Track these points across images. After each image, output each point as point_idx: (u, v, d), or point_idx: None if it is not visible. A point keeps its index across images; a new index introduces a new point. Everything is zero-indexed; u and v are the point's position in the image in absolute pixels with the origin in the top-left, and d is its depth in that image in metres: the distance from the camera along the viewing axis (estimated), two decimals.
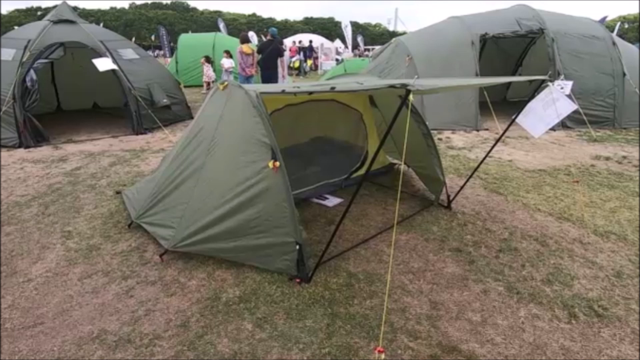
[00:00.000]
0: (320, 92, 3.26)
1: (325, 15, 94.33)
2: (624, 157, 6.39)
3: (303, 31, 48.06)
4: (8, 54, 7.06)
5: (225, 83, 3.40)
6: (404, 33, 15.07)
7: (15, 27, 11.40)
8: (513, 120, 3.74)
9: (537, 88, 3.62)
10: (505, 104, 10.54)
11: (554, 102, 3.44)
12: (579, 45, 8.52)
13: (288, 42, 24.60)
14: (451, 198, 4.41)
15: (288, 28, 59.99)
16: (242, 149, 3.07)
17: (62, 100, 9.91)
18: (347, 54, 29.31)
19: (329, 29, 60.93)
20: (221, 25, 26.19)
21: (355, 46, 32.77)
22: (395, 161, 5.44)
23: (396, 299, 2.86)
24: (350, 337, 2.49)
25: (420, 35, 9.84)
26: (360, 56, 26.75)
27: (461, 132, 8.00)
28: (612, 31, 14.84)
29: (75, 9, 10.11)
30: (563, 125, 8.04)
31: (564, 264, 3.33)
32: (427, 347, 2.42)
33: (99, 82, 9.16)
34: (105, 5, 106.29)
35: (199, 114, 3.65)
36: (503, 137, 4.37)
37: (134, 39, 16.26)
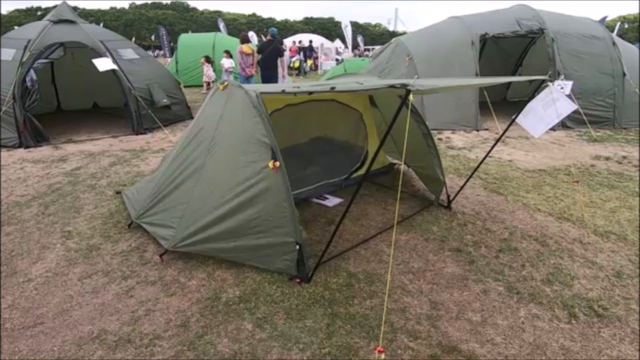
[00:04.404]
0: (320, 92, 3.26)
1: (325, 15, 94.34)
2: (624, 157, 6.39)
3: (303, 31, 48.05)
4: (8, 54, 7.06)
5: (225, 83, 3.40)
6: (404, 33, 15.06)
7: (15, 27, 11.40)
8: (513, 120, 3.74)
9: (537, 88, 3.62)
10: (505, 104, 10.54)
11: (554, 102, 3.44)
12: (579, 45, 8.52)
13: (288, 42, 24.59)
14: (451, 198, 4.40)
15: (288, 28, 59.96)
16: (242, 149, 3.07)
17: (62, 100, 9.91)
18: (347, 54, 29.31)
19: (329, 29, 60.91)
20: (221, 25, 26.20)
21: (355, 46, 32.76)
22: (395, 161, 5.44)
23: (396, 299, 2.86)
24: (350, 337, 2.49)
25: (420, 35, 9.84)
26: (360, 56, 26.75)
27: (461, 132, 8.00)
28: (612, 31, 14.84)
29: (75, 9, 10.11)
30: (563, 125, 8.04)
31: (564, 264, 3.33)
32: (427, 347, 2.42)
33: (99, 82, 9.16)
34: (105, 5, 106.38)
35: (199, 114, 3.65)
36: (503, 137, 4.37)
37: (134, 39, 16.24)
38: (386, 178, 5.18)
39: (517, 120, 3.72)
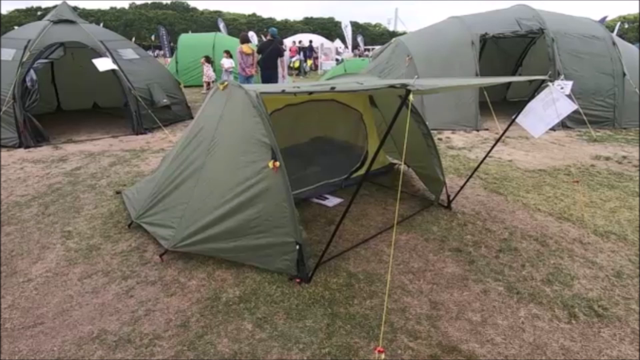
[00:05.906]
0: (320, 92, 3.26)
1: (325, 15, 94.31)
2: (624, 157, 6.39)
3: (303, 31, 48.04)
4: (8, 54, 7.06)
5: (225, 83, 3.40)
6: (404, 33, 15.07)
7: (15, 27, 11.40)
8: (513, 120, 3.74)
9: (537, 88, 3.62)
10: (505, 104, 10.54)
11: (554, 102, 3.44)
12: (579, 45, 8.52)
13: (288, 42, 24.59)
14: (451, 198, 4.40)
15: (288, 28, 59.96)
16: (242, 149, 3.07)
17: (62, 100, 9.91)
18: (347, 54, 29.30)
19: (329, 29, 60.90)
20: (221, 25, 26.21)
21: (355, 46, 32.76)
22: (395, 161, 5.44)
23: (396, 299, 2.86)
24: (350, 337, 2.49)
25: (420, 35, 9.84)
26: (360, 56, 26.75)
27: (461, 132, 8.00)
28: (612, 31, 14.84)
29: (75, 9, 10.11)
30: (563, 125, 8.04)
31: (564, 264, 3.33)
32: (427, 347, 2.42)
33: (99, 82, 9.16)
34: (105, 5, 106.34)
35: (199, 114, 3.65)
36: (503, 137, 4.37)
37: (134, 39, 16.24)
38: (386, 178, 5.18)
39: (517, 120, 3.72)
